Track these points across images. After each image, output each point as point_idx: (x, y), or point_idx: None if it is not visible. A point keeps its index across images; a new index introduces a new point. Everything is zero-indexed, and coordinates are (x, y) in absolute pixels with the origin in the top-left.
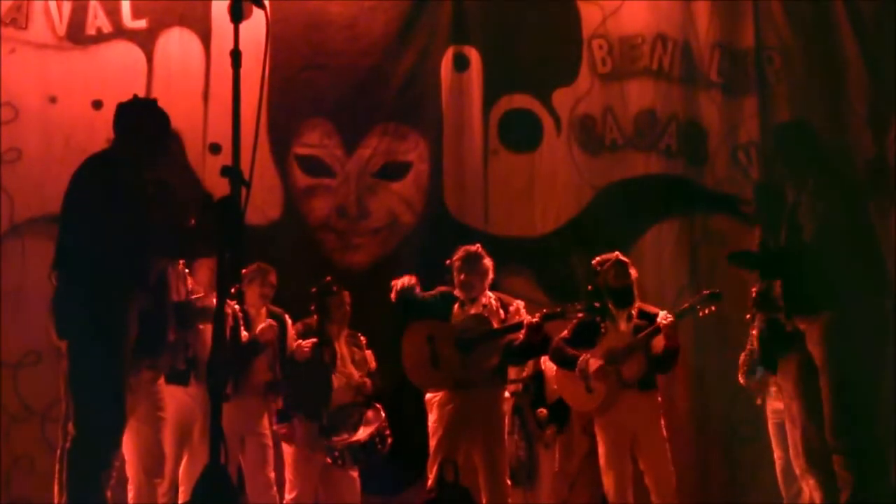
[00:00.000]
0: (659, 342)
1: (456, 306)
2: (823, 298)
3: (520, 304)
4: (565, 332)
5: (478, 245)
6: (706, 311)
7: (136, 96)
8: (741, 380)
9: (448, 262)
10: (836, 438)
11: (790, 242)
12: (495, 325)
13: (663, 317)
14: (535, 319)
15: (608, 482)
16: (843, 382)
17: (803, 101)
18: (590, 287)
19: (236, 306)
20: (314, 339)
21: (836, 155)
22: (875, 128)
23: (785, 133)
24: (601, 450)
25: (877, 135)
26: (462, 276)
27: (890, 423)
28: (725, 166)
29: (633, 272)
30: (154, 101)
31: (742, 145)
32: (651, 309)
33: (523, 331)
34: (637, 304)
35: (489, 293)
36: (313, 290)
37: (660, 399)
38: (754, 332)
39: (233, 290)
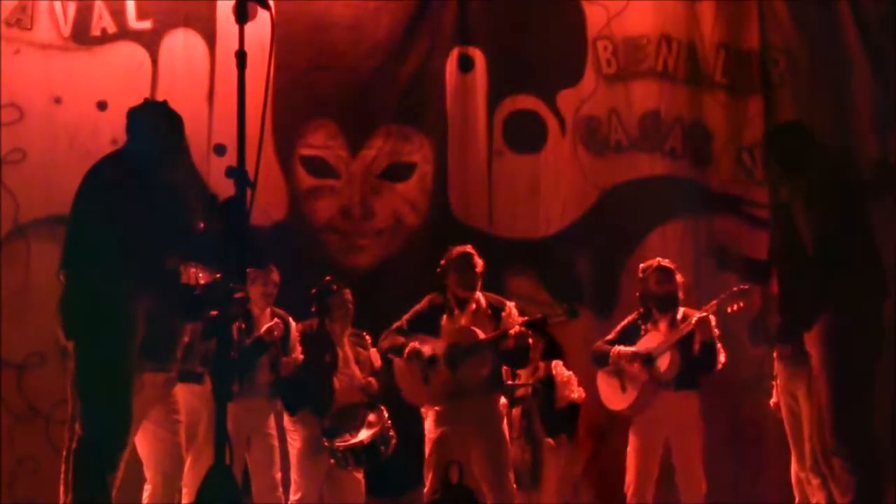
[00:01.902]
0: (697, 341)
1: (444, 317)
2: (820, 299)
3: (511, 305)
4: (611, 334)
5: (469, 245)
6: (735, 308)
7: (147, 99)
8: None
9: (444, 260)
10: (835, 440)
11: (787, 243)
12: (482, 334)
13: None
14: (519, 328)
15: (630, 478)
16: (842, 384)
17: (808, 103)
18: (637, 294)
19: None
20: (299, 357)
21: (836, 156)
22: (879, 129)
23: (779, 134)
24: (631, 446)
25: (881, 136)
26: (459, 276)
27: (889, 424)
28: (730, 167)
29: (678, 278)
30: (166, 103)
31: (747, 146)
32: (694, 312)
33: (510, 340)
34: (683, 308)
35: (480, 295)
36: (313, 290)
37: (698, 399)
38: None
39: (238, 295)
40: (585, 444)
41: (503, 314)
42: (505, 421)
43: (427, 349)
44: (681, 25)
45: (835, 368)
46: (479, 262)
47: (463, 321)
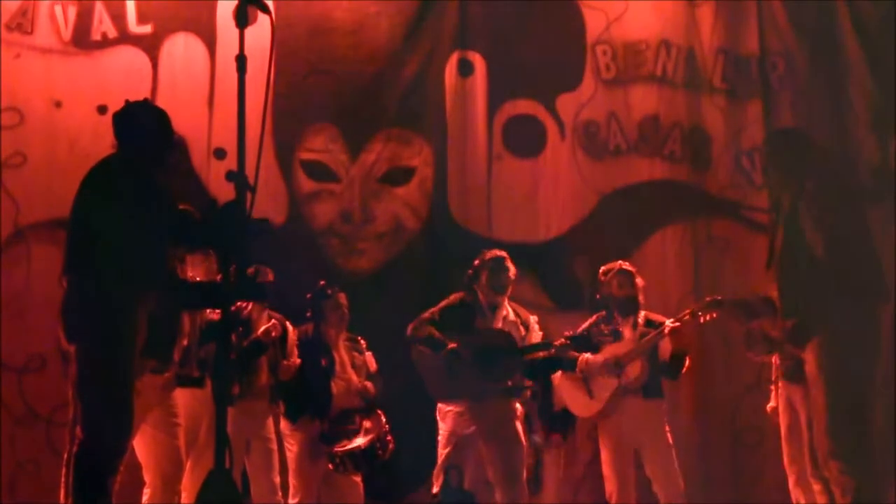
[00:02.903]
0: (665, 348)
1: (477, 318)
2: (819, 306)
3: (534, 319)
4: (567, 332)
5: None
6: (707, 318)
7: (128, 101)
8: None
9: (477, 261)
10: (834, 443)
11: (787, 249)
12: (519, 342)
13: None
14: (564, 342)
15: (610, 487)
16: (840, 388)
17: (807, 107)
18: (597, 296)
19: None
20: (297, 361)
21: (835, 161)
22: (879, 133)
23: (777, 140)
24: (604, 455)
25: (880, 140)
26: (493, 277)
27: (888, 425)
28: (729, 172)
29: (639, 281)
30: (147, 101)
31: (746, 151)
32: (657, 317)
33: (552, 350)
34: (643, 312)
35: (507, 304)
36: (308, 295)
37: (664, 407)
38: None
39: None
40: (585, 447)
41: (530, 325)
42: (519, 424)
43: (465, 354)
44: (680, 30)
45: (833, 373)
46: (512, 268)
47: (497, 325)
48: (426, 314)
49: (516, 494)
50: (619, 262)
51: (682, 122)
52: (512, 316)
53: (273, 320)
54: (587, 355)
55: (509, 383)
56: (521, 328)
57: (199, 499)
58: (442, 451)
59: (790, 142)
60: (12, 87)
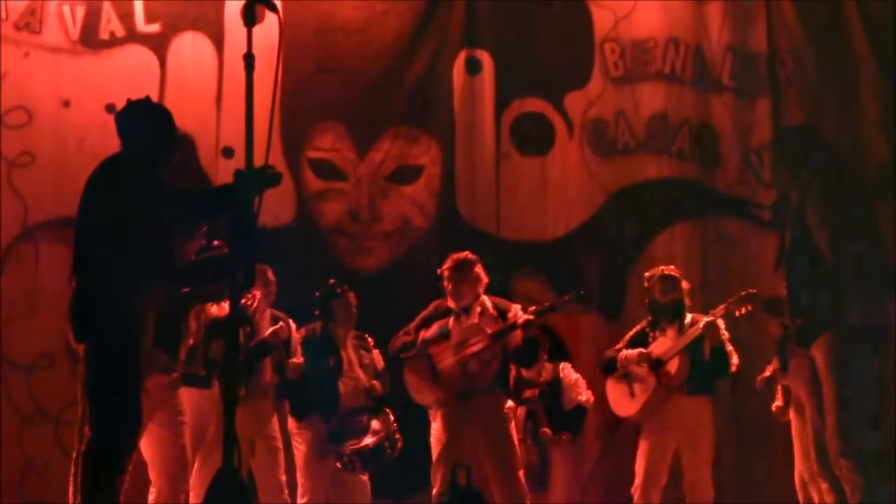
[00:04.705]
0: (707, 346)
1: (451, 319)
2: (827, 304)
3: (517, 308)
4: (619, 343)
5: (467, 252)
6: (742, 311)
7: (129, 100)
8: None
9: (439, 271)
10: (842, 442)
11: (795, 247)
12: (490, 329)
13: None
14: (529, 317)
15: (637, 481)
16: (848, 385)
17: (815, 104)
18: (647, 300)
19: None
20: (301, 360)
21: (843, 159)
22: (887, 130)
23: (785, 138)
24: (640, 450)
25: (889, 137)
26: (451, 286)
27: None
28: (737, 170)
29: (684, 285)
30: (149, 99)
31: (754, 149)
32: (702, 317)
33: (519, 331)
34: (690, 315)
35: (485, 299)
36: (317, 294)
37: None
38: None
39: (246, 301)
40: (593, 445)
41: (509, 315)
42: (512, 423)
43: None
44: (688, 28)
45: (841, 370)
46: (478, 270)
47: (468, 323)
48: (402, 330)
49: (513, 492)
50: (661, 267)
51: (690, 120)
52: (491, 310)
53: (280, 322)
54: (626, 351)
55: (489, 375)
56: (500, 320)
57: (208, 498)
58: (434, 451)
59: (798, 139)
60: (21, 87)
